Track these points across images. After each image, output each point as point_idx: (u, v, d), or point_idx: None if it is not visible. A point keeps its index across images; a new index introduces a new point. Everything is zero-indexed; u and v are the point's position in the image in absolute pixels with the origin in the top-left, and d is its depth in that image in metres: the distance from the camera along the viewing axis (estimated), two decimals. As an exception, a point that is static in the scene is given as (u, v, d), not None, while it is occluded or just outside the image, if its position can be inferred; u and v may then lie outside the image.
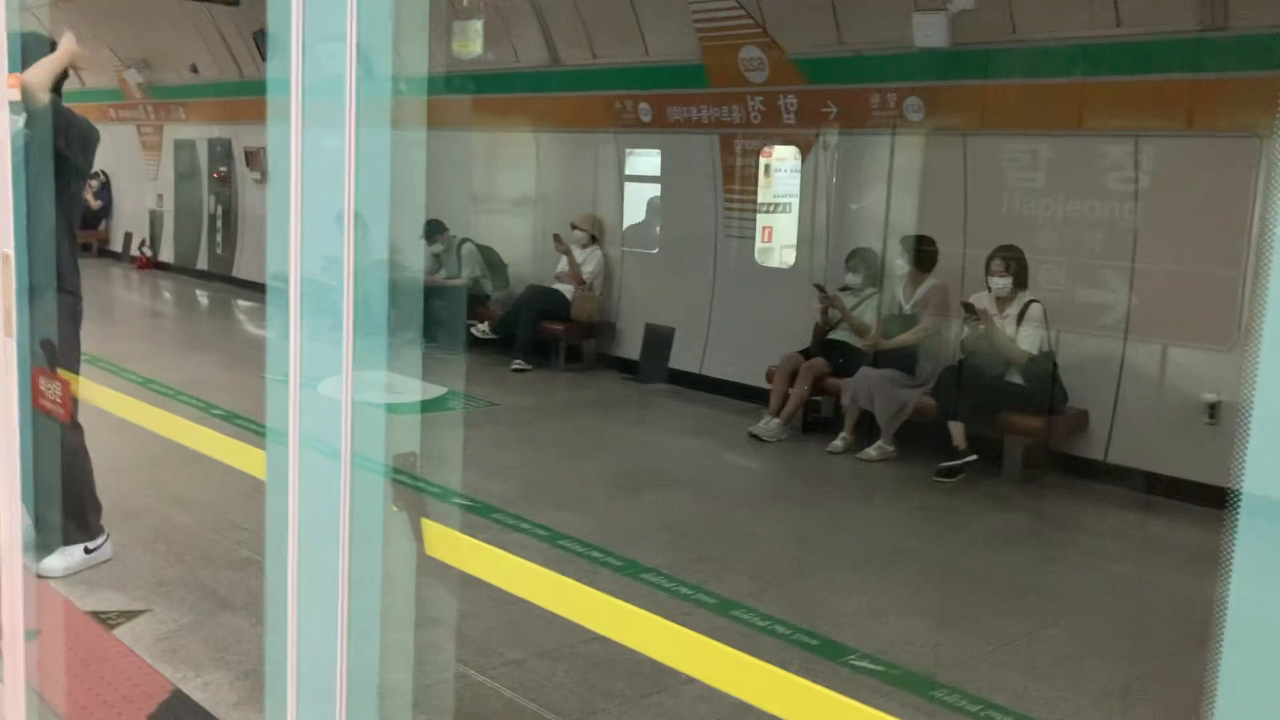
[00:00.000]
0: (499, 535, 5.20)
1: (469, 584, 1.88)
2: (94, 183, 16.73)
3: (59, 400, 2.57)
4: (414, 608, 1.80)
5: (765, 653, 4.03)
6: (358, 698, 1.63)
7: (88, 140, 4.27)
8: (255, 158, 13.42)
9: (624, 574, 4.71)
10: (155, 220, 15.77)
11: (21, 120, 4.06)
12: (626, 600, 4.61)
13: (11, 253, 2.45)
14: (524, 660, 3.81)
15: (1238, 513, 0.77)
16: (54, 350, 3.33)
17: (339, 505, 1.57)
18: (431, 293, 8.56)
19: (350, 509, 1.55)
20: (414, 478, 1.60)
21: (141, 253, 15.89)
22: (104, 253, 16.80)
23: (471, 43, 8.73)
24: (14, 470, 2.58)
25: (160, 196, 15.70)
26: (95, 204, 16.71)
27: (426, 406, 7.42)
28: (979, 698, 3.68)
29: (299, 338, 1.64)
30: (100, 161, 16.70)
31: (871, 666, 3.92)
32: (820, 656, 4.03)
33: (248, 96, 12.52)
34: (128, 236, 16.44)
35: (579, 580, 4.84)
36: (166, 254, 15.62)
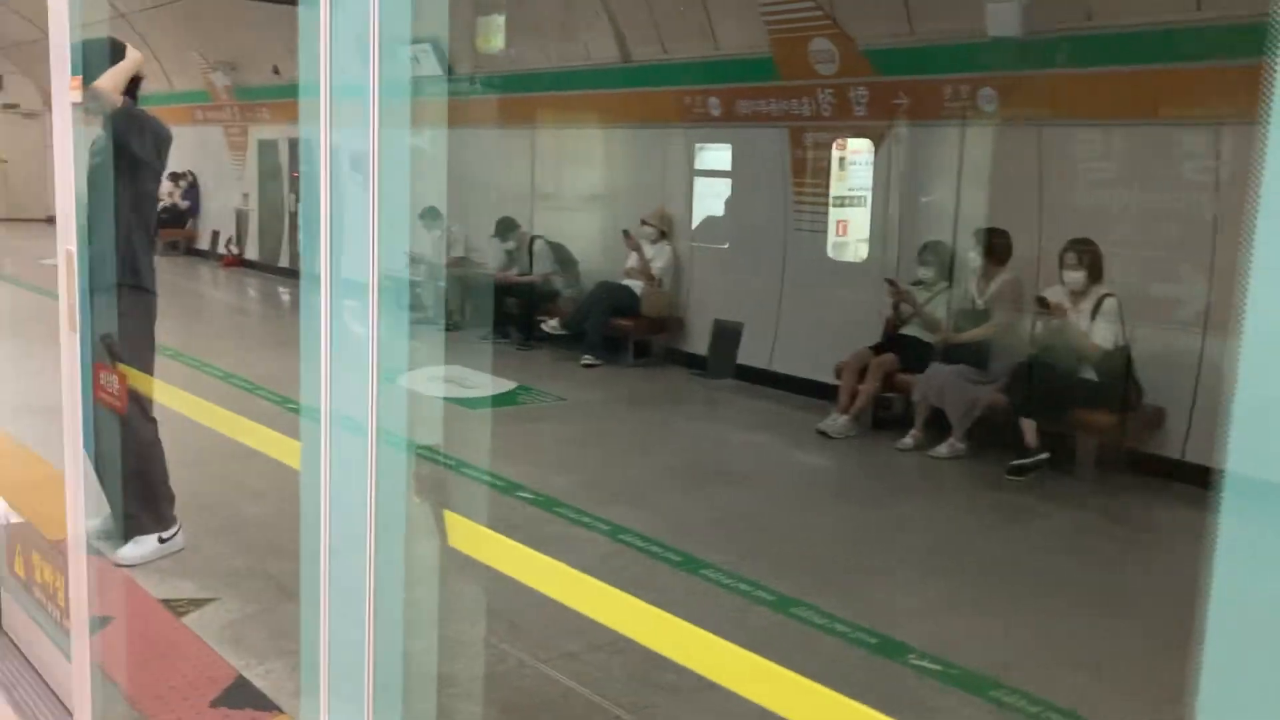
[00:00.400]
0: (562, 528, 5.24)
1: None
2: (182, 183, 17.22)
3: (116, 393, 2.65)
4: (439, 587, 1.82)
5: (824, 651, 4.03)
6: (384, 673, 1.66)
7: (160, 139, 4.39)
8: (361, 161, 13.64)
9: (682, 569, 4.71)
10: (240, 219, 16.17)
11: (98, 125, 4.21)
12: (685, 595, 4.63)
13: (74, 249, 2.53)
14: (579, 653, 3.83)
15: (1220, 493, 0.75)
16: (114, 344, 3.42)
17: (366, 487, 1.60)
18: (503, 289, 8.64)
19: (376, 493, 1.58)
20: (439, 462, 1.62)
21: (228, 250, 16.30)
22: (192, 251, 17.27)
23: (493, 38, 8.80)
24: (78, 461, 2.67)
25: (245, 195, 16.09)
26: (183, 204, 17.20)
27: (495, 401, 7.52)
28: (1039, 698, 3.60)
29: (328, 326, 1.67)
30: (188, 162, 17.22)
31: (931, 666, 3.86)
32: (880, 655, 3.98)
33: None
34: (214, 235, 16.89)
35: (638, 575, 4.87)
36: (251, 252, 16.01)
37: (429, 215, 11.37)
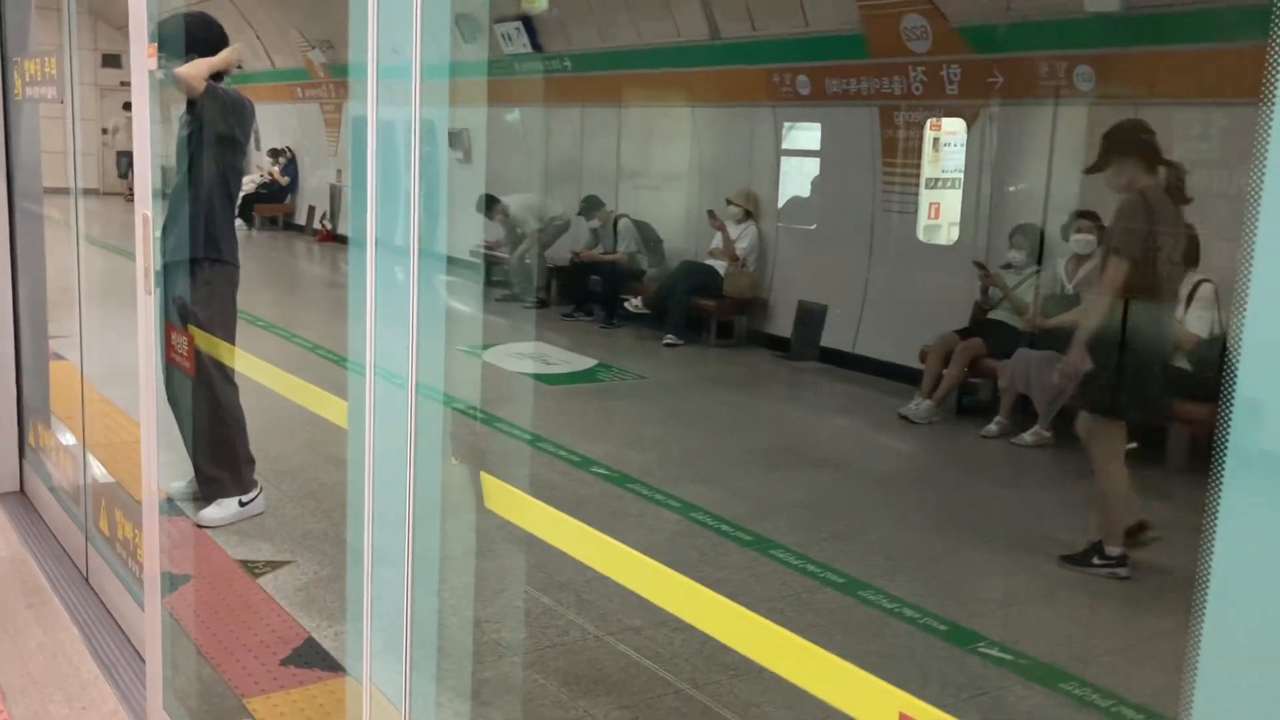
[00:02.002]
0: (634, 504, 5.25)
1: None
2: (281, 159, 17.61)
3: (185, 354, 2.72)
4: (474, 546, 1.83)
5: (891, 636, 3.97)
6: (421, 631, 1.67)
7: (241, 112, 4.47)
8: (458, 138, 13.64)
9: (752, 548, 4.68)
10: (335, 195, 16.48)
11: (182, 109, 4.32)
12: (751, 575, 4.60)
13: (150, 214, 2.59)
14: (642, 628, 3.84)
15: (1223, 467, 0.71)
16: (185, 308, 3.51)
17: (405, 441, 1.61)
18: (588, 268, 8.67)
19: (415, 448, 1.59)
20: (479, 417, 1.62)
21: (323, 226, 16.64)
22: (289, 226, 17.66)
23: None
24: (153, 421, 2.75)
25: (339, 172, 16.39)
26: (283, 179, 17.59)
27: (575, 377, 7.56)
28: (1111, 692, 3.50)
29: (374, 288, 1.68)
30: (286, 138, 17.61)
31: (1000, 655, 3.78)
32: (947, 642, 3.91)
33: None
34: (311, 210, 17.24)
35: (706, 553, 4.85)
36: (344, 227, 16.32)
37: (483, 205, 11.24)
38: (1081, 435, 4.78)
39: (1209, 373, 5.88)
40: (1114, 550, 4.64)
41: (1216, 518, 0.72)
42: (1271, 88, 0.69)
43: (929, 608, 4.14)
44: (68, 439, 4.56)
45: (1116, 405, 4.64)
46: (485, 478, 1.58)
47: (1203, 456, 5.99)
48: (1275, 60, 0.68)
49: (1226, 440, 0.71)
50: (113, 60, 17.23)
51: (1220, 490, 0.72)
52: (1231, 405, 0.71)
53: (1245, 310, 0.70)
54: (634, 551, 1.41)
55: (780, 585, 4.33)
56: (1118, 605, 4.51)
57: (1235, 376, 0.71)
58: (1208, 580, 0.73)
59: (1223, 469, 0.72)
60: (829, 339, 8.86)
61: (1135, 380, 4.66)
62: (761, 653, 1.39)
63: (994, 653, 3.80)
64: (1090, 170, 4.81)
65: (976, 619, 4.10)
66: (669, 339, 9.36)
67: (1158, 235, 4.52)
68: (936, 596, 4.30)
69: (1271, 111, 0.68)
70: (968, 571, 4.71)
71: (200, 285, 4.25)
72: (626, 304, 9.92)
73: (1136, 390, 4.66)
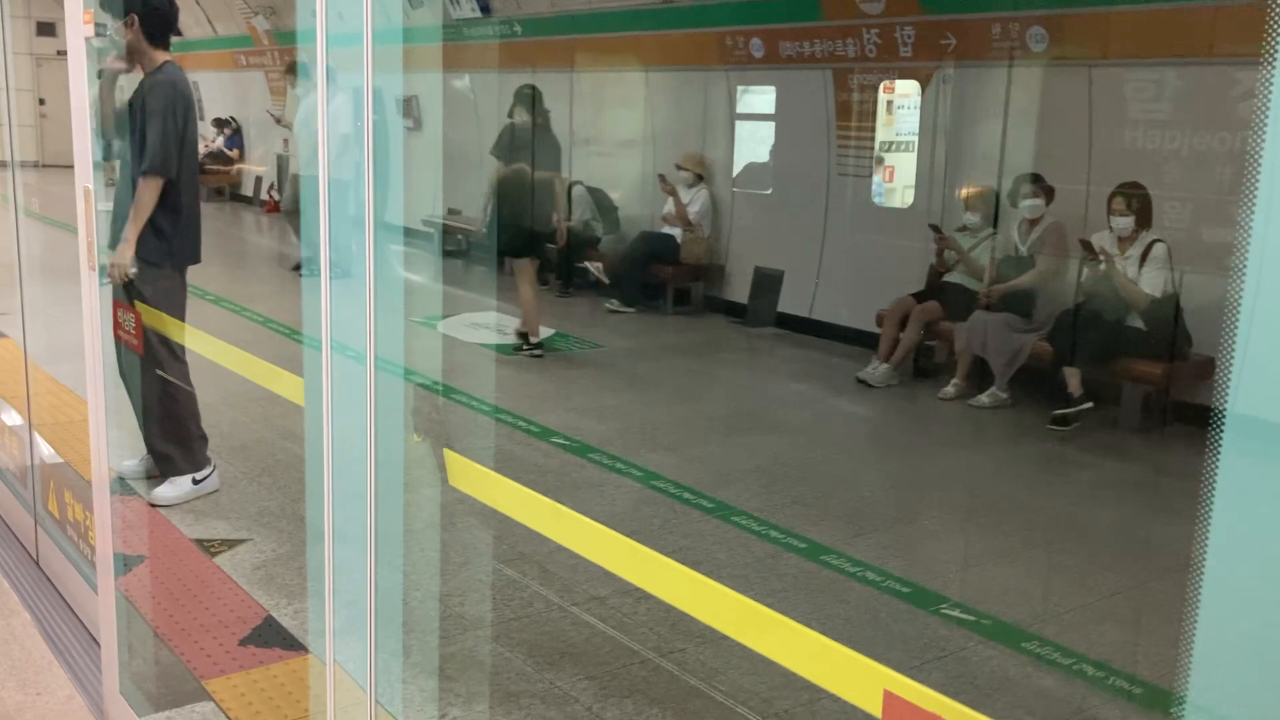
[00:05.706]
0: (595, 474, 5.22)
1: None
2: (227, 129, 17.24)
3: (133, 331, 2.64)
4: (439, 519, 1.79)
5: (853, 598, 3.98)
6: (385, 608, 1.64)
7: (188, 104, 4.30)
8: (408, 106, 13.43)
9: (714, 516, 4.67)
10: (282, 165, 16.17)
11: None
12: (714, 543, 4.59)
13: (92, 186, 2.50)
14: (606, 598, 3.82)
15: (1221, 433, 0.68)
16: (132, 284, 3.41)
17: (365, 418, 1.57)
18: (545, 236, 8.57)
19: (375, 424, 1.54)
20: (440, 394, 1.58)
21: (270, 197, 16.33)
22: (235, 197, 17.33)
23: None
24: (101, 400, 2.67)
25: (286, 141, 16.08)
26: (233, 154, 17.17)
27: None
28: (1073, 651, 3.54)
29: (328, 262, 1.62)
30: (231, 108, 17.24)
31: (962, 616, 3.81)
32: (911, 604, 3.93)
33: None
34: (258, 181, 16.92)
35: (669, 521, 4.83)
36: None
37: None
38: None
39: (1164, 332, 5.94)
40: (534, 339, 7.59)
41: (1214, 489, 0.69)
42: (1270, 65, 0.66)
43: (892, 571, 4.17)
44: (12, 419, 4.45)
45: (523, 250, 7.63)
46: (448, 454, 1.54)
47: (1154, 414, 6.09)
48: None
49: (1225, 408, 0.69)
50: (48, 29, 16.77)
51: (1218, 459, 0.69)
52: (1229, 374, 0.68)
53: (1244, 281, 0.67)
54: (604, 527, 1.38)
55: (744, 551, 4.33)
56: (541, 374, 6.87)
57: (1233, 347, 0.69)
58: (1204, 553, 0.71)
59: (1220, 437, 0.69)
60: (786, 304, 8.86)
61: (530, 233, 7.60)
62: (734, 627, 1.37)
63: (957, 614, 3.83)
64: (508, 115, 7.74)
65: (939, 581, 4.13)
66: (611, 304, 9.34)
67: (521, 149, 7.62)
68: (900, 560, 4.32)
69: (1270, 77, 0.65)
70: (931, 535, 4.74)
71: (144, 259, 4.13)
72: (590, 269, 9.85)
73: (529, 240, 7.61)
